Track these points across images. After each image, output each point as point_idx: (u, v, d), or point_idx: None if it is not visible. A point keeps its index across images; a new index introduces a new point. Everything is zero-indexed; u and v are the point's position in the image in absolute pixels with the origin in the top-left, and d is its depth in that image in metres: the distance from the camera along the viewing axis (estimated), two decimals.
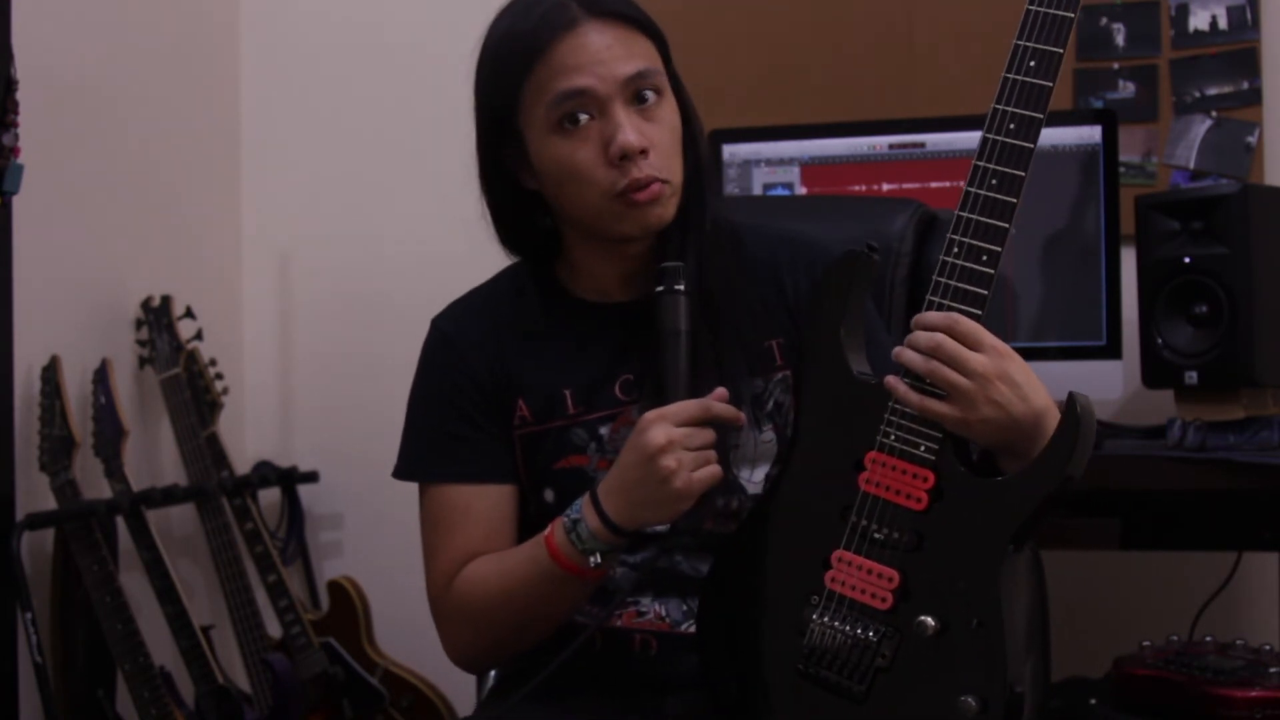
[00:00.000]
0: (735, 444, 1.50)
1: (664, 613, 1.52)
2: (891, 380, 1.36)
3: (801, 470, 1.44)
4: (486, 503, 1.54)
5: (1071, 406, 1.29)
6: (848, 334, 1.43)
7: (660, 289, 1.45)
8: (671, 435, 1.37)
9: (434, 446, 1.57)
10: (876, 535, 1.36)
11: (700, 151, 1.54)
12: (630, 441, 1.41)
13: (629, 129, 1.43)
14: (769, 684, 1.41)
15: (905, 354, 1.35)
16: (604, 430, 1.53)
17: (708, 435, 1.39)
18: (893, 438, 1.36)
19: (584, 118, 1.45)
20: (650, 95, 1.46)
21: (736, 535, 1.48)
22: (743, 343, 1.52)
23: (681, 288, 1.45)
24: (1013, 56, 1.39)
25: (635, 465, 1.39)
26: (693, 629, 1.50)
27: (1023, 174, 1.35)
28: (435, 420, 1.57)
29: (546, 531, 1.45)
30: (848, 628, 1.36)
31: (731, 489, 1.51)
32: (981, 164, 1.36)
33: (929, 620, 1.33)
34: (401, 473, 1.60)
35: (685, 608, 1.52)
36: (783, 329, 1.55)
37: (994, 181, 1.35)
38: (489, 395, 1.55)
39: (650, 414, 1.39)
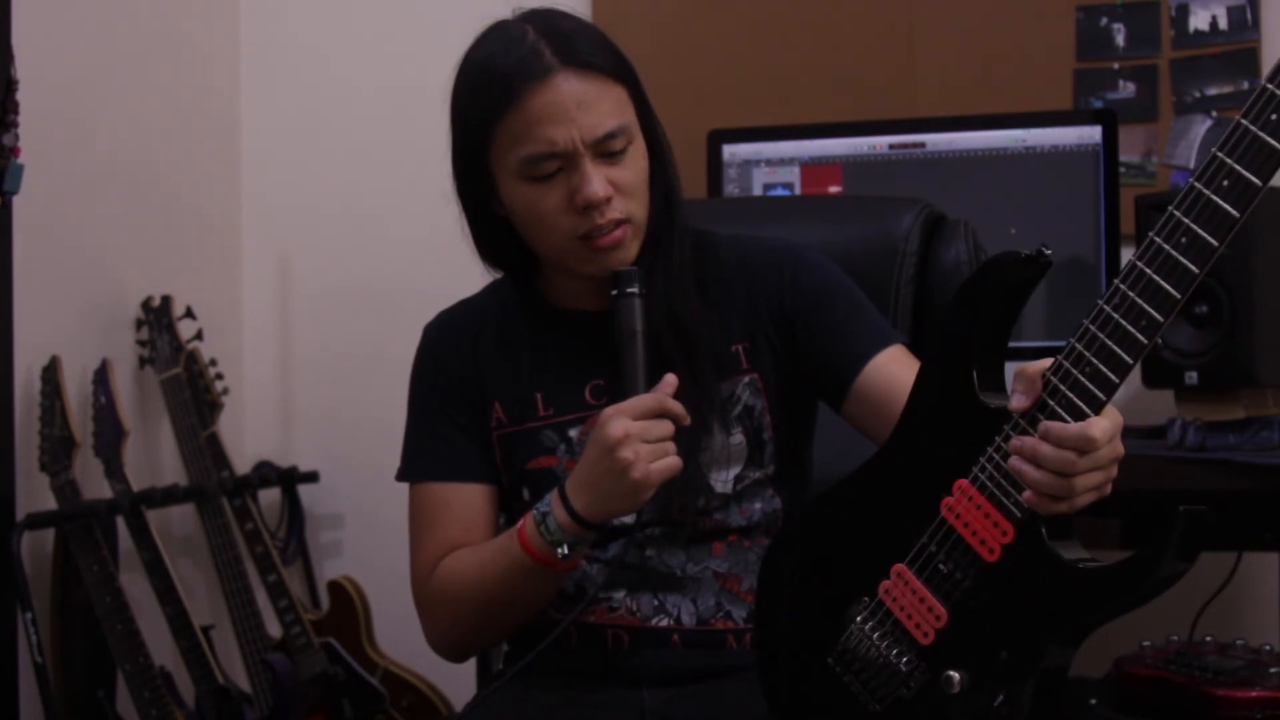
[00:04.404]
0: (704, 447, 1.54)
1: (635, 608, 1.56)
2: (1018, 465, 1.25)
3: (893, 469, 1.39)
4: (465, 499, 1.61)
5: (1180, 523, 1.20)
6: (987, 343, 1.32)
7: (615, 292, 1.51)
8: (629, 428, 1.43)
9: (420, 447, 1.64)
10: (941, 566, 1.30)
11: (670, 176, 1.59)
12: (591, 436, 1.47)
13: (595, 182, 1.48)
14: (797, 666, 1.42)
15: (1027, 471, 1.24)
16: (573, 433, 1.58)
17: (665, 427, 1.45)
18: (987, 475, 1.28)
19: (552, 169, 1.49)
20: (617, 149, 1.50)
21: (813, 506, 1.49)
22: (708, 348, 1.56)
23: (635, 290, 1.50)
24: (1254, 103, 1.19)
25: (596, 459, 1.45)
26: (663, 623, 1.55)
27: (1217, 244, 1.16)
28: (421, 422, 1.65)
29: (519, 524, 1.51)
30: (884, 645, 1.34)
31: (698, 488, 1.55)
32: (1178, 214, 1.18)
33: (956, 676, 1.29)
34: (399, 474, 1.66)
35: (656, 602, 1.56)
36: (749, 334, 1.59)
37: (1184, 240, 1.17)
38: (467, 398, 1.62)
39: (609, 409, 1.45)
